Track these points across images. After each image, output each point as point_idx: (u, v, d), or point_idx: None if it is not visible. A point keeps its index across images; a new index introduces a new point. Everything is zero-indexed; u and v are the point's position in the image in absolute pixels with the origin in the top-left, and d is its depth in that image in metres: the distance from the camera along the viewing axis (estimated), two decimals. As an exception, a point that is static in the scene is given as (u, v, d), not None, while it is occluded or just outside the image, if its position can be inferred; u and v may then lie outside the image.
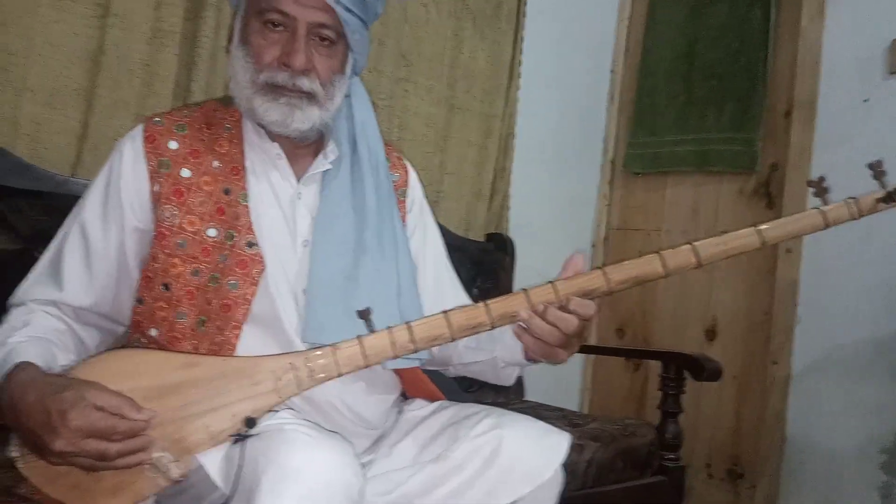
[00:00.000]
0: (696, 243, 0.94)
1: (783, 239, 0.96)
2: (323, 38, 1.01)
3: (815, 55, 2.19)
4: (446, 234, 1.26)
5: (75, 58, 1.46)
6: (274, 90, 0.99)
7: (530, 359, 1.03)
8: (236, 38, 1.03)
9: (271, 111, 0.99)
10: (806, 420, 2.13)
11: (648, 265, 0.94)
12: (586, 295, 0.93)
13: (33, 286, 1.00)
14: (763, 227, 0.94)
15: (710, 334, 2.35)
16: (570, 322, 0.92)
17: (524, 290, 0.94)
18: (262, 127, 1.04)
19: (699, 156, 2.37)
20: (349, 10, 1.01)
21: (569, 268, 0.96)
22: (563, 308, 0.92)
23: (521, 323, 0.93)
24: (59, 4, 1.43)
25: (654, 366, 2.42)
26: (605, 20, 2.60)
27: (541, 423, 1.01)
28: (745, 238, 0.95)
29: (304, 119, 1.01)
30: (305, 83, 0.99)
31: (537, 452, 0.97)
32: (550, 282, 0.94)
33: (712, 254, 0.94)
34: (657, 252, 0.94)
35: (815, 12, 2.19)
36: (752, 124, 2.25)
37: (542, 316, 0.92)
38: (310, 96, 1.00)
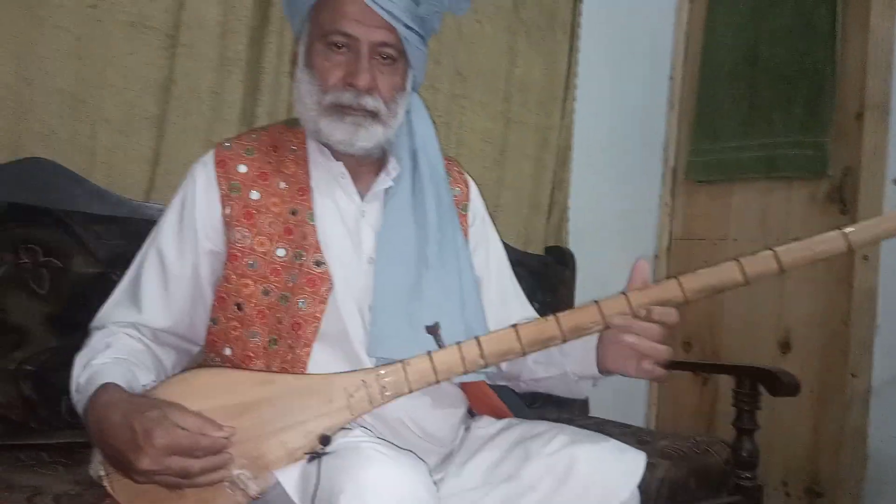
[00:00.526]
0: (777, 248, 0.91)
1: (870, 242, 0.92)
2: (385, 57, 1.02)
3: (886, 54, 2.10)
4: (505, 248, 1.26)
5: (147, 87, 1.51)
6: (339, 110, 1.01)
7: (604, 371, 1.01)
8: (301, 61, 1.05)
9: (337, 131, 1.01)
10: (888, 435, 2.02)
11: (727, 273, 0.91)
12: (661, 305, 0.91)
13: (114, 309, 1.04)
14: (849, 230, 0.90)
15: (784, 346, 2.26)
16: (654, 330, 0.91)
17: (595, 302, 0.93)
18: (327, 146, 1.05)
19: (766, 161, 2.29)
20: (409, 28, 1.02)
21: (636, 276, 0.94)
22: (647, 318, 0.91)
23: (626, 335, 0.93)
24: (131, 37, 1.49)
25: (725, 380, 2.35)
26: (661, 26, 2.56)
27: (614, 442, 0.99)
28: (830, 242, 0.91)
29: (369, 137, 1.02)
30: (369, 102, 1.01)
31: (612, 472, 0.94)
32: (623, 293, 0.93)
33: (795, 259, 0.91)
34: (735, 259, 0.91)
35: (885, 9, 2.10)
36: (822, 127, 2.16)
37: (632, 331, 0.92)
38: (373, 115, 1.01)
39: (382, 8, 0.99)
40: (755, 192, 2.37)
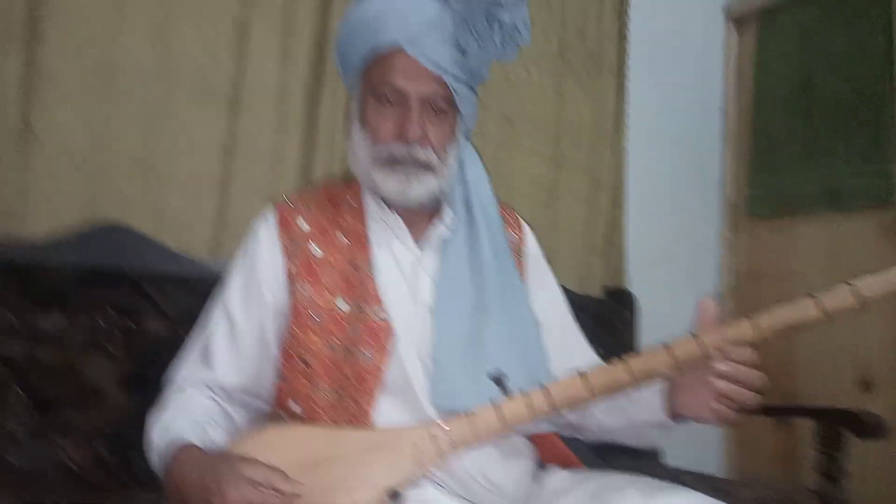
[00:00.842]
0: (854, 282, 0.87)
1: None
2: (435, 108, 1.03)
3: (948, 74, 2.03)
4: (562, 291, 1.25)
5: (212, 150, 1.58)
6: (392, 163, 1.02)
7: (676, 417, 0.98)
8: (355, 118, 1.08)
9: (390, 183, 1.02)
10: None
11: (802, 310, 0.88)
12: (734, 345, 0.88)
13: (186, 368, 1.06)
14: (931, 262, 0.86)
15: (865, 384, 2.14)
16: (753, 376, 0.90)
17: (664, 344, 0.90)
18: (382, 199, 1.07)
19: (829, 193, 2.22)
20: (457, 79, 1.04)
21: (704, 316, 0.92)
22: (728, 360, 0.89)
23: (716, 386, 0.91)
24: (196, 102, 1.56)
25: (805, 422, 2.23)
26: (710, 60, 2.54)
27: (696, 494, 0.94)
28: (911, 274, 0.86)
29: (422, 188, 1.03)
30: (421, 154, 1.02)
31: (696, 527, 0.90)
32: (694, 335, 0.90)
33: (874, 293, 0.87)
34: (811, 295, 0.88)
35: (945, 30, 2.04)
36: (886, 154, 2.09)
37: (726, 376, 0.90)
38: (425, 166, 1.03)
39: (431, 61, 1.01)
40: (819, 224, 2.28)
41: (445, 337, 1.01)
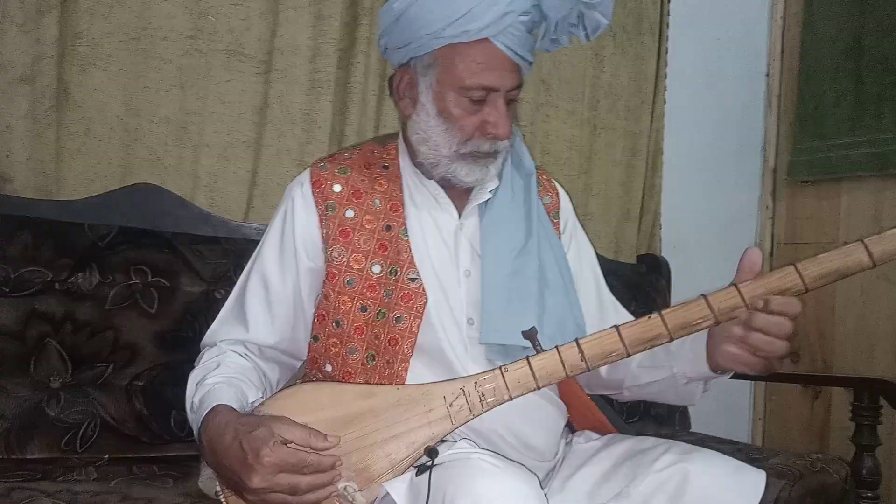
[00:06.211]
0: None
1: None
2: (508, 98, 1.02)
3: None
4: (596, 257, 1.23)
5: (244, 112, 1.57)
6: (475, 156, 1.02)
7: (717, 369, 0.95)
8: (429, 106, 1.03)
9: (471, 175, 1.03)
10: None
11: (850, 256, 0.84)
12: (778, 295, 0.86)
13: (222, 328, 1.08)
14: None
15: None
16: (783, 325, 0.85)
17: (703, 296, 0.88)
18: (451, 182, 1.05)
19: (877, 158, 2.15)
20: (529, 63, 1.04)
21: (745, 266, 0.89)
22: (767, 310, 0.85)
23: (736, 335, 0.88)
24: (229, 65, 1.55)
25: (838, 393, 2.20)
26: (755, 22, 2.45)
27: (730, 459, 0.93)
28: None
29: (495, 173, 1.05)
30: (503, 146, 1.04)
31: (729, 490, 0.89)
32: (734, 284, 0.87)
33: None
34: (860, 240, 0.84)
35: None
36: (938, 118, 2.01)
37: (750, 325, 0.86)
38: (497, 153, 1.04)
39: (514, 52, 1.00)
40: (866, 190, 2.22)
41: (491, 277, 1.01)
